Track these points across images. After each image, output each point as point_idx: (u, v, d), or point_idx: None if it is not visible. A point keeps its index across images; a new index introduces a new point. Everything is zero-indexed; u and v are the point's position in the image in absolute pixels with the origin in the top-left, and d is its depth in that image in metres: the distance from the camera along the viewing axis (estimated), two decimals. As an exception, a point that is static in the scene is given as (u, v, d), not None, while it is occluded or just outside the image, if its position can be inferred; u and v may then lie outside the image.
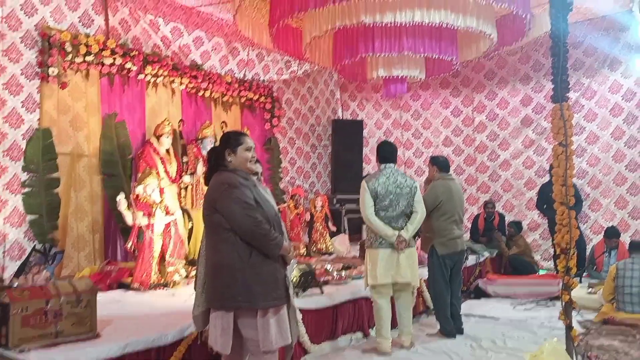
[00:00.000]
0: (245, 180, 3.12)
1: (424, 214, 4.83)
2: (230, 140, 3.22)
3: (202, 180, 6.41)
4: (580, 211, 8.20)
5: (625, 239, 7.46)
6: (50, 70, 5.82)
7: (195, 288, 3.28)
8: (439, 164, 5.49)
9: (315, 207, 8.41)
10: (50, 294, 3.38)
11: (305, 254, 7.91)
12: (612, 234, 7.16)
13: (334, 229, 8.57)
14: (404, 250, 4.70)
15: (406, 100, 10.60)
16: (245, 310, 3.03)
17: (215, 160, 3.22)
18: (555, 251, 7.20)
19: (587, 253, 7.70)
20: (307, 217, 8.25)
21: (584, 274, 7.30)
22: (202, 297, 3.17)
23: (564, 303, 3.90)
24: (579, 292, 6.28)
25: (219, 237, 3.08)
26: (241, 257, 3.02)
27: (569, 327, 3.87)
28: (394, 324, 4.93)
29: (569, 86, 4.03)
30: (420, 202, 4.81)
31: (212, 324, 3.11)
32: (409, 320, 4.89)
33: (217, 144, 3.43)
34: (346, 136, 10.13)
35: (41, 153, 5.75)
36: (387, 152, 4.93)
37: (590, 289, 6.53)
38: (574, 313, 3.97)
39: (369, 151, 10.56)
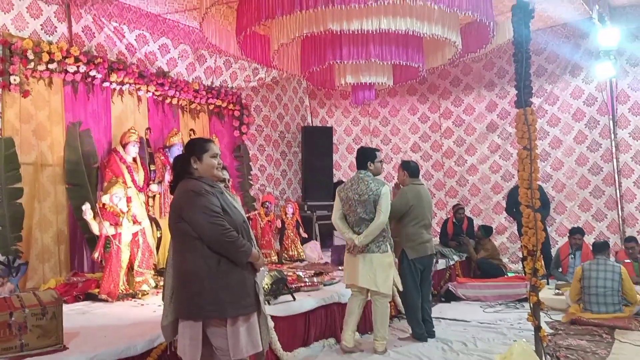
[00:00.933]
0: (212, 188, 3.09)
1: (383, 222, 4.77)
2: (196, 147, 3.18)
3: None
4: (547, 214, 8.39)
5: (590, 240, 7.63)
6: (12, 78, 5.69)
7: (163, 298, 3.23)
8: (410, 169, 5.54)
9: (286, 214, 8.39)
10: (14, 307, 3.30)
11: (276, 261, 7.88)
12: (575, 231, 7.34)
13: (305, 235, 8.57)
14: (361, 256, 4.81)
15: (374, 106, 10.70)
16: (214, 319, 2.99)
17: (181, 168, 3.18)
18: (523, 254, 7.33)
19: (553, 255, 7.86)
20: (279, 224, 8.22)
21: (549, 276, 7.43)
22: (170, 307, 3.12)
23: (531, 304, 3.97)
24: (547, 293, 6.41)
25: (185, 245, 3.03)
26: (209, 266, 2.98)
27: (537, 328, 3.94)
28: (370, 329, 5.05)
29: (532, 92, 4.13)
30: (382, 209, 4.76)
31: (181, 334, 3.07)
32: (381, 326, 4.88)
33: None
34: (316, 143, 10.15)
35: (3, 163, 5.60)
36: (357, 159, 5.09)
37: (557, 290, 6.66)
38: (542, 314, 4.04)
39: (339, 157, 10.61)
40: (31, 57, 5.83)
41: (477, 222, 9.17)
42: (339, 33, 6.33)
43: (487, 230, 8.56)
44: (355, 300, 4.92)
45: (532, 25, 4.12)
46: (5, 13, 5.80)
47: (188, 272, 3.00)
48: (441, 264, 7.60)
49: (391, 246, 4.91)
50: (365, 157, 4.98)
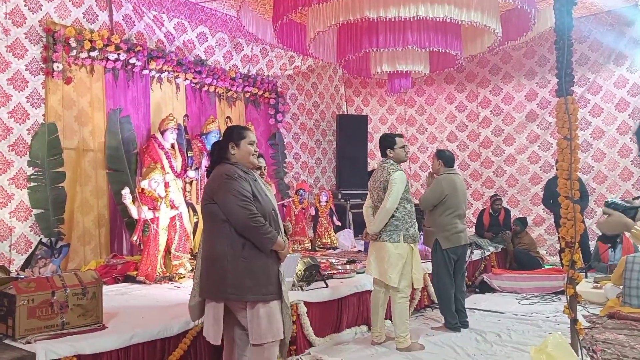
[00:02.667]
0: (245, 174, 3.13)
1: (389, 209, 4.56)
2: (234, 133, 3.24)
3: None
4: (586, 206, 8.18)
5: (631, 234, 7.42)
6: (55, 65, 5.85)
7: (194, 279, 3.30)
8: (444, 158, 5.47)
9: (320, 201, 8.42)
10: (56, 286, 3.41)
11: (310, 248, 7.93)
12: None
13: (338, 223, 8.59)
14: (372, 245, 4.76)
15: (411, 95, 10.60)
16: (234, 302, 3.05)
17: (218, 153, 3.23)
18: (560, 246, 7.20)
19: (592, 248, 7.69)
20: (312, 211, 8.26)
21: (590, 269, 7.28)
22: (198, 287, 3.18)
23: (568, 297, 3.90)
24: (585, 286, 6.27)
25: (214, 227, 3.09)
26: (234, 249, 3.02)
27: (573, 321, 3.87)
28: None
29: (574, 81, 4.03)
30: (389, 195, 4.57)
31: (206, 314, 3.14)
32: (399, 323, 4.61)
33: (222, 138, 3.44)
34: (350, 131, 10.13)
35: (47, 148, 5.79)
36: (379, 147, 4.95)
37: (596, 283, 6.52)
38: (579, 307, 3.97)
39: (374, 146, 10.56)
40: (73, 44, 5.98)
41: (514, 213, 9.02)
42: (375, 20, 6.28)
43: (523, 222, 8.43)
44: (377, 295, 4.79)
45: (575, 13, 4.01)
46: (48, 2, 5.96)
47: (213, 254, 3.06)
48: (476, 254, 7.51)
49: (407, 237, 4.60)
50: (384, 144, 4.81)
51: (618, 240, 7.06)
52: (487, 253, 7.86)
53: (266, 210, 3.12)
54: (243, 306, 3.04)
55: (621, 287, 5.78)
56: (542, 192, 8.66)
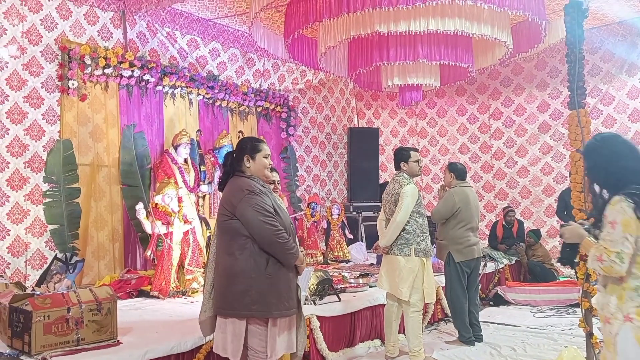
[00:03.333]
0: (264, 188, 3.12)
1: (400, 222, 4.53)
2: (249, 146, 3.19)
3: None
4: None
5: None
6: (70, 83, 5.94)
7: (203, 293, 3.26)
8: (457, 171, 5.47)
9: (331, 214, 8.43)
10: (72, 302, 3.44)
11: (322, 261, 7.92)
12: None
13: (350, 236, 8.58)
14: (384, 258, 4.76)
15: (422, 107, 10.61)
16: (257, 318, 3.01)
17: (232, 165, 3.19)
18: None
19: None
20: (324, 224, 8.26)
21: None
22: (209, 302, 3.15)
23: (584, 310, 3.86)
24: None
25: (235, 243, 3.03)
26: (258, 265, 3.00)
27: (589, 335, 3.83)
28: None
29: (587, 92, 4.02)
30: (399, 209, 4.55)
31: (221, 330, 3.08)
32: (412, 337, 4.56)
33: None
34: (362, 144, 10.14)
35: (62, 164, 5.86)
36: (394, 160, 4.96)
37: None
38: (595, 320, 3.93)
39: (385, 159, 10.56)
40: (88, 62, 6.06)
41: (528, 225, 8.97)
42: (386, 34, 6.32)
43: (537, 234, 8.37)
44: (391, 309, 4.77)
45: (586, 24, 4.00)
46: (64, 20, 6.06)
47: (236, 270, 3.01)
48: (490, 267, 7.47)
49: (419, 251, 4.56)
50: (398, 157, 4.80)
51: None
52: (501, 265, 7.80)
53: (286, 224, 3.11)
54: (265, 323, 3.03)
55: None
56: (556, 204, 8.60)
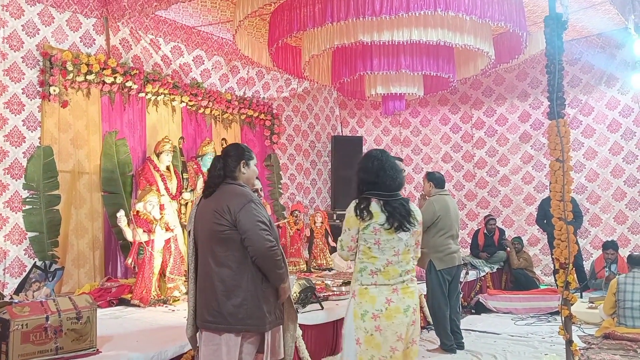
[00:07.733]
0: (257, 198, 3.07)
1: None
2: (245, 152, 3.12)
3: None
4: (580, 226, 8.22)
5: (626, 253, 7.46)
6: (52, 89, 5.88)
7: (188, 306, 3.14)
8: (435, 180, 5.52)
9: (315, 222, 8.43)
10: (51, 310, 3.40)
11: (305, 269, 7.91)
12: (608, 246, 7.23)
13: (334, 244, 8.57)
14: None
15: (405, 116, 10.67)
16: (251, 332, 2.96)
17: (223, 170, 3.05)
18: (554, 266, 7.23)
19: (589, 268, 7.72)
20: (307, 232, 8.26)
21: (586, 289, 7.30)
22: (193, 316, 3.05)
23: (563, 318, 3.90)
24: (580, 307, 6.29)
25: (232, 255, 2.91)
26: (254, 280, 2.92)
27: (569, 342, 3.87)
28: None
29: (566, 103, 4.08)
30: None
31: (211, 344, 2.93)
32: None
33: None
34: (346, 152, 10.14)
35: (42, 171, 5.79)
36: None
37: (591, 303, 6.53)
38: (574, 328, 3.98)
39: (369, 167, 10.57)
40: (70, 68, 6.02)
41: (509, 233, 9.06)
42: (369, 44, 6.36)
43: (520, 241, 8.51)
44: None
45: (566, 36, 4.06)
46: (46, 26, 6.01)
47: (233, 283, 2.90)
48: (472, 275, 7.52)
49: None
50: None
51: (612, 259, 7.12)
52: (483, 273, 7.87)
53: (276, 236, 3.04)
54: (257, 336, 2.99)
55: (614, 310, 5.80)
56: (536, 212, 8.71)
